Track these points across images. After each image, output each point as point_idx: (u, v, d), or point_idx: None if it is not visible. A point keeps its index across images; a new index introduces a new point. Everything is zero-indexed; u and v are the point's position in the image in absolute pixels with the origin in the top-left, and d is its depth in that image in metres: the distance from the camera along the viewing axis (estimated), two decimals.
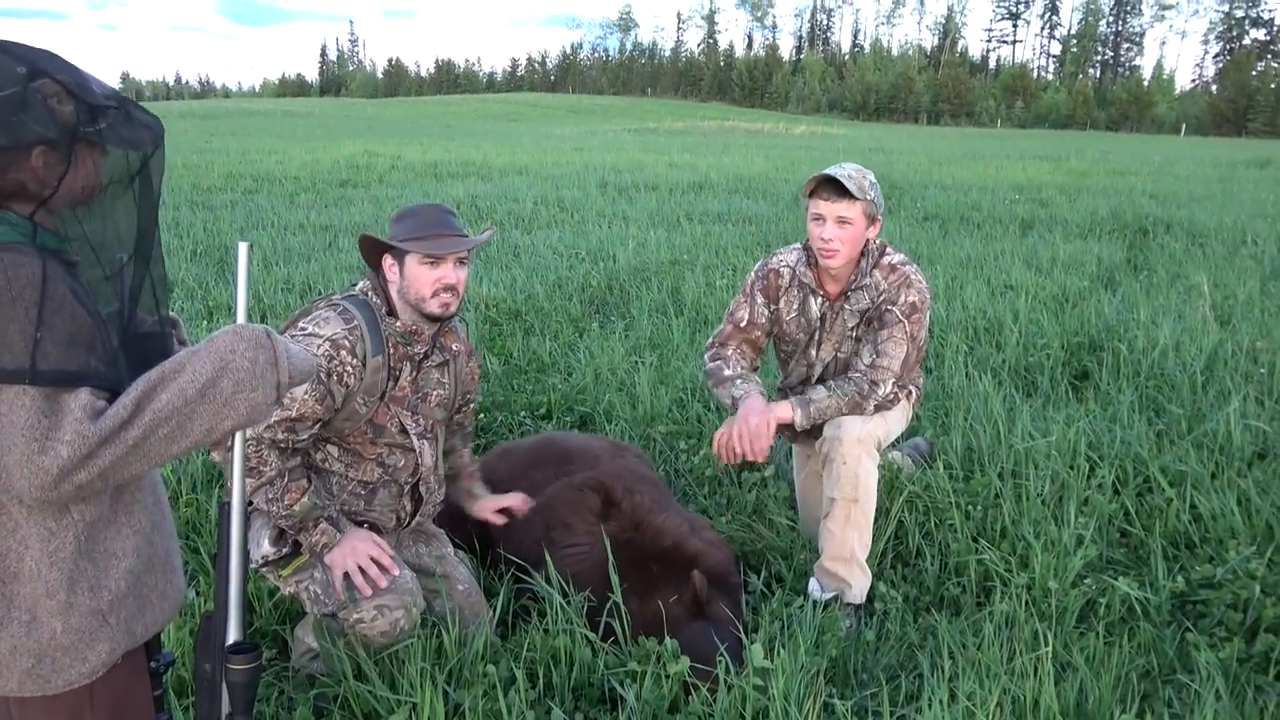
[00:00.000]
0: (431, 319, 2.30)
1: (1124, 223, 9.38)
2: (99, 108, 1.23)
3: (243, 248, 1.36)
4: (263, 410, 1.27)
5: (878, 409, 2.72)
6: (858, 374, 2.72)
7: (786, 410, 2.70)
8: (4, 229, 1.18)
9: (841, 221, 2.66)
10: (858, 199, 2.64)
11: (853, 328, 2.82)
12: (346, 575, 2.17)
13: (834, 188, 2.65)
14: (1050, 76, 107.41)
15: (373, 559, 2.19)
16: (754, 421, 2.65)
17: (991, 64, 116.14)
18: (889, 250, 2.82)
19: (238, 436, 1.36)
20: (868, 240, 2.76)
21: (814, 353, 2.88)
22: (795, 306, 2.88)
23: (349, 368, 2.16)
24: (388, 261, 2.29)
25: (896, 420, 2.84)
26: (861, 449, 2.63)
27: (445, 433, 2.54)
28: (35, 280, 1.15)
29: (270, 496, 2.11)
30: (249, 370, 1.23)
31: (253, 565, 2.23)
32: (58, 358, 1.15)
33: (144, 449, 1.17)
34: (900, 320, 2.72)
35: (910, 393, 2.92)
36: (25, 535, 1.23)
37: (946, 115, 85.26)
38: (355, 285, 2.35)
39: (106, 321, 1.24)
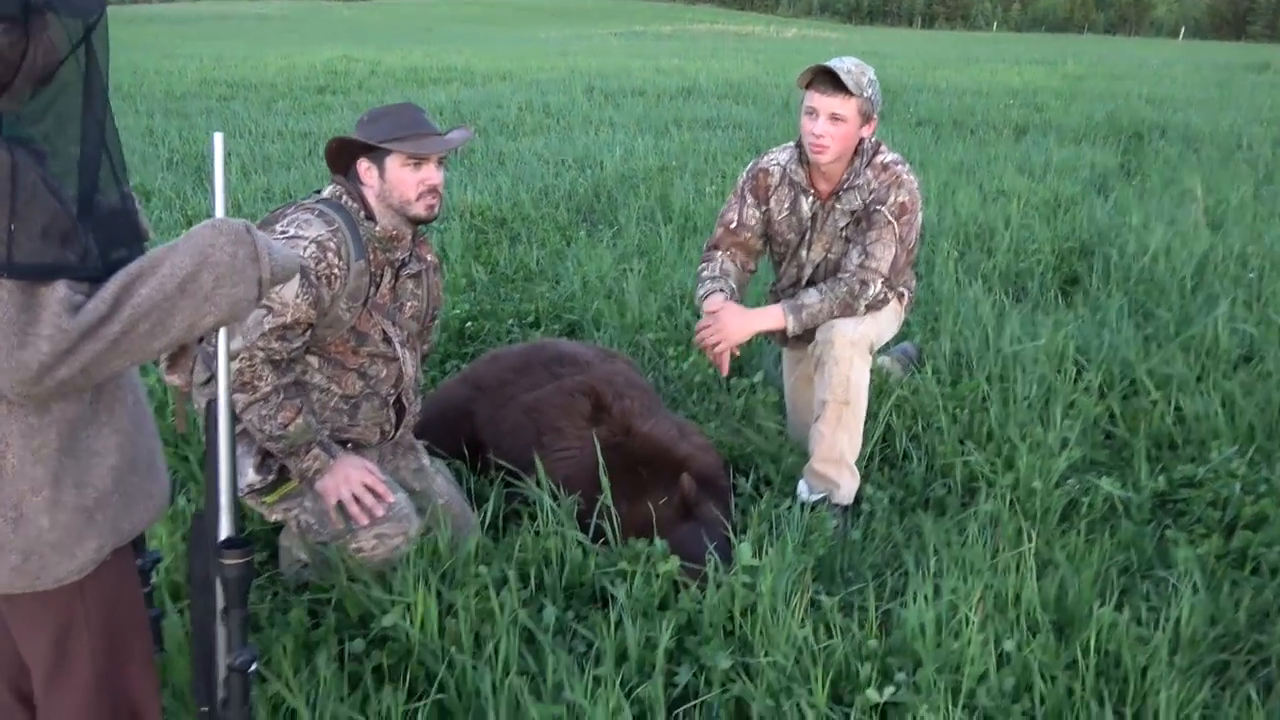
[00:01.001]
0: (416, 221, 2.24)
1: (1119, 127, 9.23)
2: None
3: (218, 138, 1.32)
4: (244, 306, 1.24)
5: (868, 309, 2.71)
6: (846, 274, 2.69)
7: (778, 316, 2.69)
8: None
9: (835, 118, 2.59)
10: (854, 95, 2.57)
11: (844, 228, 2.77)
12: (340, 504, 2.13)
13: (830, 81, 2.57)
14: None
15: (367, 487, 2.15)
16: (721, 320, 2.69)
17: None
18: (883, 149, 2.76)
19: (222, 333, 1.35)
20: (862, 139, 2.69)
21: (804, 253, 2.85)
22: (786, 206, 2.83)
23: (335, 270, 2.10)
24: (363, 165, 2.20)
25: (888, 323, 2.83)
26: (854, 351, 2.62)
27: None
28: (5, 172, 1.11)
29: (264, 414, 2.05)
30: (229, 265, 1.21)
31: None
32: (32, 250, 1.11)
33: (125, 344, 1.16)
34: (890, 221, 2.67)
35: (902, 295, 2.90)
36: (6, 432, 1.21)
37: (941, 18, 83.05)
38: (322, 190, 2.26)
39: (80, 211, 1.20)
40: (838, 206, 2.76)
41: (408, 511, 2.21)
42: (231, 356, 2.02)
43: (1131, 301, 4.16)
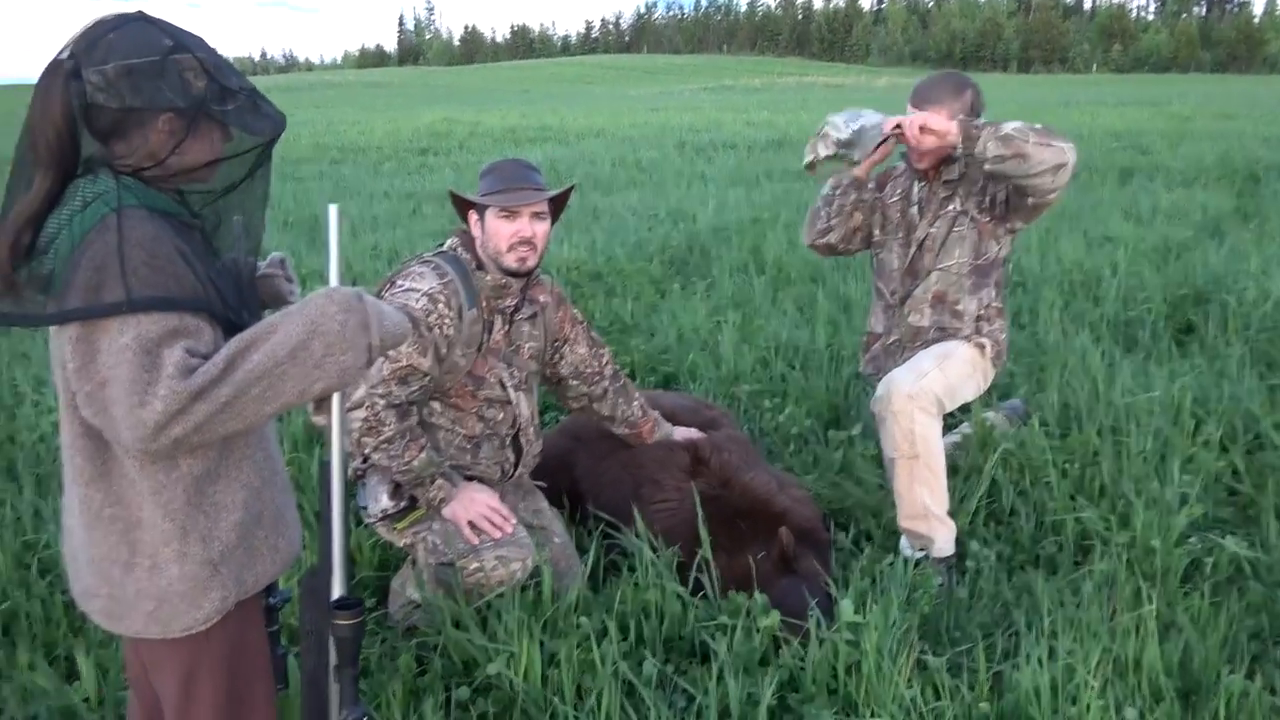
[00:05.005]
0: (508, 273, 2.32)
1: (1232, 169, 8.87)
2: (230, 90, 1.31)
3: (333, 210, 1.35)
4: (352, 373, 1.27)
5: (1058, 169, 2.46)
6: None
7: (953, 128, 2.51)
8: (127, 194, 1.25)
9: (925, 130, 2.56)
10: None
11: (945, 198, 2.80)
12: (471, 524, 2.26)
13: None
14: (1150, 16, 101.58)
15: (492, 508, 2.28)
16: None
17: (1086, 5, 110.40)
18: None
19: (336, 396, 1.36)
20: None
21: (914, 233, 2.87)
22: (899, 192, 2.92)
23: (446, 320, 2.23)
24: (473, 217, 2.34)
25: (961, 376, 2.74)
26: (913, 405, 2.58)
27: (597, 397, 2.63)
28: (147, 233, 1.22)
29: (391, 454, 2.20)
30: (339, 333, 1.24)
31: (369, 520, 2.33)
32: (152, 286, 1.20)
33: (237, 407, 1.20)
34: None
35: (983, 346, 2.82)
36: (141, 488, 1.30)
37: (1038, 62, 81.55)
38: (445, 242, 2.40)
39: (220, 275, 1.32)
40: (941, 180, 2.80)
41: (527, 541, 2.31)
42: (355, 405, 2.15)
43: (1253, 351, 3.96)
